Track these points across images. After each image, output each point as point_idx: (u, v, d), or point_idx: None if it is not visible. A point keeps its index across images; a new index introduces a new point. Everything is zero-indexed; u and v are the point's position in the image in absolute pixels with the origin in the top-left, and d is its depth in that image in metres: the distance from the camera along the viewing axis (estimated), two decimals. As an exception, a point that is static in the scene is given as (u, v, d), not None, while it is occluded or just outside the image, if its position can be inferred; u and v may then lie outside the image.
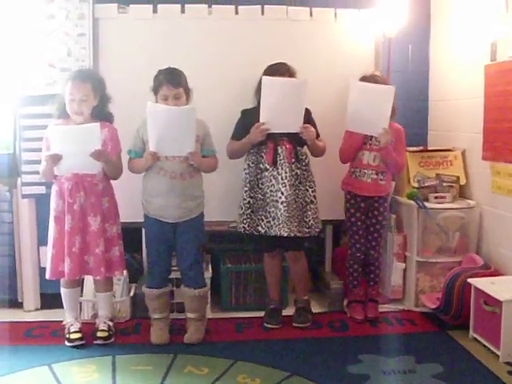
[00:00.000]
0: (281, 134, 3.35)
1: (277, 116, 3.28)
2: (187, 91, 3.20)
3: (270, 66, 3.38)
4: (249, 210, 3.41)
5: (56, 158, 3.05)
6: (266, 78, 3.23)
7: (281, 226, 3.33)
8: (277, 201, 3.35)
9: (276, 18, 3.73)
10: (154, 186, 3.23)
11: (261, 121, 3.28)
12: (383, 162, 3.52)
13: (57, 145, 3.05)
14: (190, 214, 3.24)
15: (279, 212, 3.33)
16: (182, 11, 3.67)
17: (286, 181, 3.36)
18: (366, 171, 3.56)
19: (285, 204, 3.34)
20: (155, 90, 3.18)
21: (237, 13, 3.71)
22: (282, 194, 3.34)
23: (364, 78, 3.48)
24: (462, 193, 3.90)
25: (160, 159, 3.16)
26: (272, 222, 3.36)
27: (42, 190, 3.56)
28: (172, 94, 3.13)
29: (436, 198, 3.75)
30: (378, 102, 3.36)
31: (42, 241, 3.44)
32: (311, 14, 3.75)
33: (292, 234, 3.36)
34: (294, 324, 3.53)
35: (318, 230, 3.49)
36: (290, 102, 3.26)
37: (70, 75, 3.19)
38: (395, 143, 3.52)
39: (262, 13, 3.72)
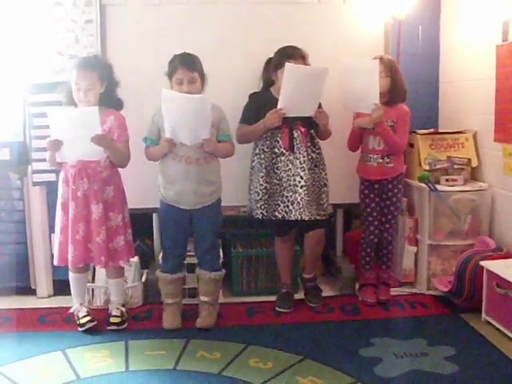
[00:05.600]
0: (295, 117, 3.33)
1: (295, 101, 3.25)
2: (202, 76, 3.18)
3: (284, 50, 3.33)
4: (266, 196, 3.39)
5: (56, 144, 3.05)
6: (289, 65, 3.17)
7: (301, 210, 3.33)
8: (296, 185, 3.34)
9: (284, 2, 3.70)
10: (171, 172, 3.23)
11: (279, 106, 3.26)
12: (382, 140, 3.50)
13: (56, 130, 3.05)
14: (206, 201, 3.24)
15: (299, 196, 3.33)
16: (190, -4, 3.65)
17: (304, 165, 3.35)
18: (371, 156, 3.56)
19: (304, 188, 3.33)
20: (170, 74, 3.16)
21: (244, -4, 3.68)
22: (302, 178, 3.33)
23: None
24: (474, 175, 3.87)
25: (176, 145, 3.16)
26: (291, 207, 3.35)
27: (52, 177, 3.56)
28: (187, 78, 3.11)
29: (447, 180, 3.73)
30: (365, 78, 3.31)
31: (53, 228, 3.45)
32: (319, -3, 3.72)
33: (312, 218, 3.37)
34: (309, 304, 3.60)
35: (329, 212, 3.52)
36: (310, 88, 3.24)
37: (75, 63, 3.17)
38: (397, 124, 3.49)
39: (270, -4, 3.69)
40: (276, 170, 3.40)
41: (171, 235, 3.34)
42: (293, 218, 3.36)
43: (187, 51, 3.20)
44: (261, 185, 3.40)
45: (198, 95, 3.08)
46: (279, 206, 3.39)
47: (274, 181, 3.40)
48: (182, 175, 3.20)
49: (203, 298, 3.35)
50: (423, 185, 3.71)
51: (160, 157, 3.23)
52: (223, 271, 3.43)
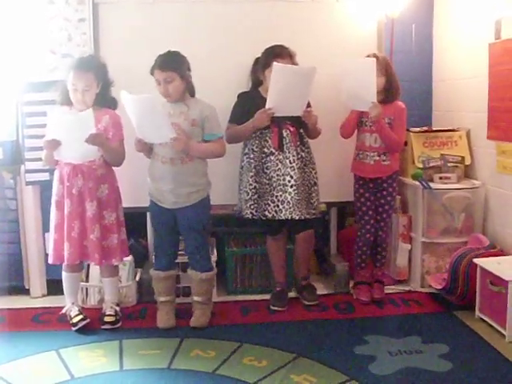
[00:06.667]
0: (283, 117, 3.33)
1: (284, 101, 3.24)
2: (183, 75, 3.14)
3: (271, 50, 3.33)
4: (255, 196, 3.39)
5: (54, 144, 3.06)
6: (277, 65, 3.16)
7: (292, 209, 3.33)
8: (285, 185, 3.34)
9: (277, 0, 3.68)
10: (152, 170, 3.26)
11: (267, 106, 3.25)
12: (379, 138, 3.50)
13: (53, 130, 3.07)
14: (186, 201, 3.22)
15: (289, 196, 3.33)
16: (182, -6, 3.65)
17: (294, 164, 3.35)
18: (368, 153, 3.55)
19: (294, 187, 3.33)
20: (151, 74, 3.16)
21: (238, -5, 3.68)
22: (292, 177, 3.34)
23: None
24: (467, 173, 3.88)
25: (150, 145, 3.17)
26: (281, 206, 3.35)
27: (45, 176, 3.56)
28: (162, 78, 3.11)
29: (441, 178, 3.74)
30: (362, 77, 3.32)
31: (46, 227, 3.45)
32: (312, -5, 3.72)
33: (303, 217, 3.37)
34: (305, 302, 3.57)
35: (319, 211, 3.52)
36: (298, 87, 3.24)
37: (71, 64, 3.16)
38: (394, 121, 3.50)
39: (264, -6, 3.69)
40: (266, 170, 3.40)
41: (159, 232, 3.37)
42: (283, 218, 3.36)
43: (175, 49, 3.18)
44: (250, 184, 3.39)
45: (144, 96, 3.02)
46: (269, 205, 3.39)
47: (264, 180, 3.40)
48: (159, 174, 3.21)
49: (196, 298, 3.35)
50: (417, 183, 3.72)
51: (144, 155, 3.24)
52: (214, 271, 3.42)
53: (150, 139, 3.15)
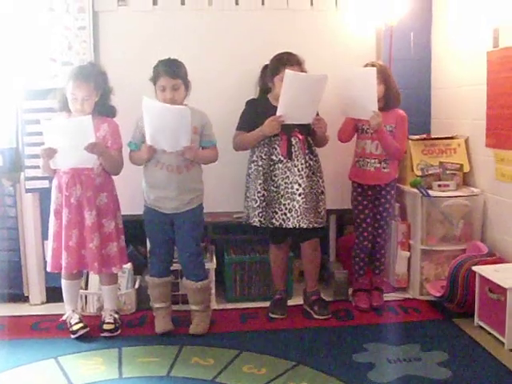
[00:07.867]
0: (292, 124, 3.32)
1: (294, 109, 3.24)
2: (186, 82, 3.18)
3: (280, 57, 3.33)
4: (264, 203, 3.38)
5: (51, 152, 3.06)
6: (289, 72, 3.15)
7: (299, 217, 3.32)
8: (293, 193, 3.33)
9: (276, 8, 3.71)
10: (152, 178, 3.24)
11: (278, 113, 3.25)
12: (381, 146, 3.51)
13: (50, 138, 3.06)
14: (187, 206, 3.23)
15: (297, 204, 3.32)
16: (182, 3, 3.66)
17: (302, 172, 3.35)
18: (368, 160, 3.56)
19: (302, 196, 3.33)
20: (154, 80, 3.17)
21: (237, 3, 3.69)
22: (300, 185, 3.33)
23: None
24: (466, 180, 3.89)
25: (157, 152, 3.16)
26: (289, 214, 3.34)
27: (45, 184, 3.55)
28: (170, 85, 3.12)
29: (440, 185, 3.74)
30: (363, 86, 3.34)
31: (46, 235, 3.45)
32: (312, 3, 3.73)
33: (311, 226, 3.36)
34: (317, 317, 3.50)
35: (325, 219, 3.52)
36: (309, 95, 3.24)
37: (71, 73, 3.16)
38: (395, 129, 3.52)
39: (263, 3, 3.70)
40: (274, 178, 3.39)
41: (154, 238, 3.37)
42: (291, 226, 3.35)
43: (174, 57, 3.20)
44: (258, 192, 3.39)
45: (179, 106, 3.07)
46: (276, 213, 3.38)
47: (272, 188, 3.39)
48: (162, 182, 3.21)
49: (193, 307, 3.35)
50: (415, 190, 3.72)
51: (142, 162, 3.24)
52: (209, 279, 3.41)
53: (162, 146, 3.13)
